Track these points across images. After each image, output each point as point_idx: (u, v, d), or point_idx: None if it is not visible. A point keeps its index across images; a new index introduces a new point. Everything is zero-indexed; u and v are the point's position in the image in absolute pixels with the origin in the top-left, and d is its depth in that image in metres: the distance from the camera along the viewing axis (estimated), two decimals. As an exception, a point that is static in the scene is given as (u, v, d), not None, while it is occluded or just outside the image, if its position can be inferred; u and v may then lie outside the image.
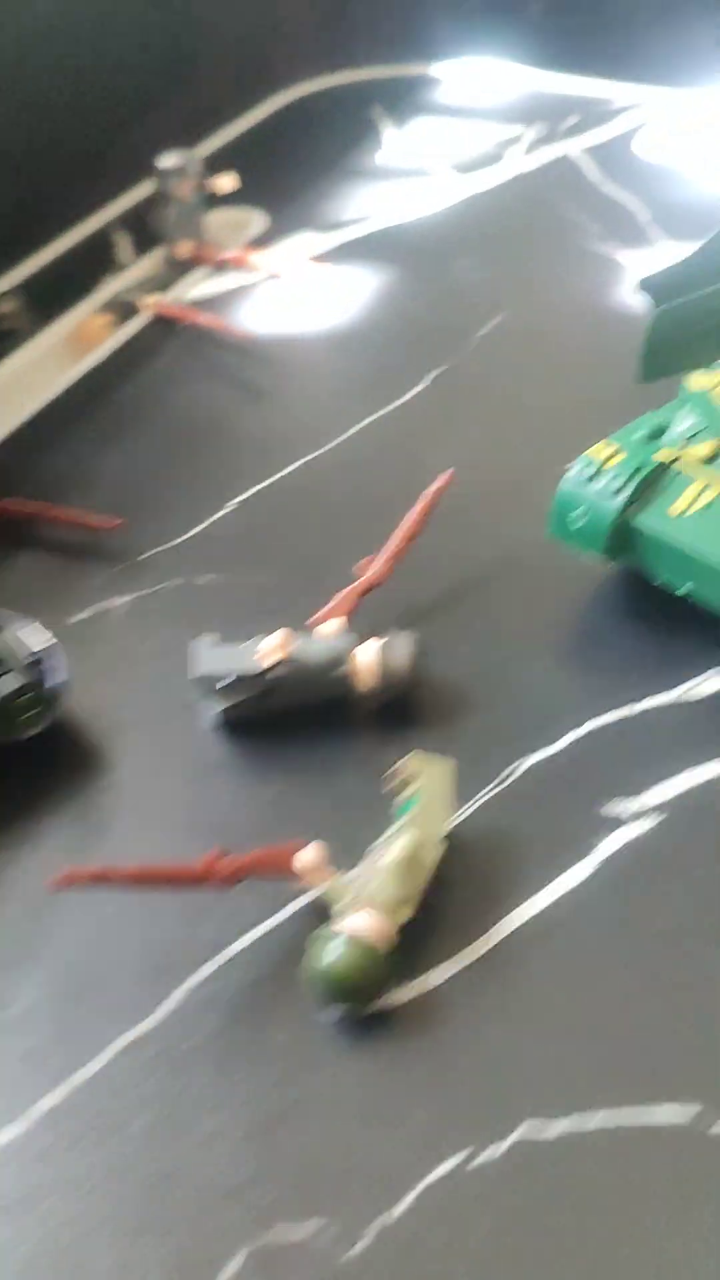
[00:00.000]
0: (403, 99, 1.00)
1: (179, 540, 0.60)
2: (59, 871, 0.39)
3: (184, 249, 0.81)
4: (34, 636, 0.50)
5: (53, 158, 0.83)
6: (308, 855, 0.43)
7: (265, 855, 0.42)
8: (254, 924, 0.44)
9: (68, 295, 0.78)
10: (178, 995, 0.42)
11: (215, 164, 0.84)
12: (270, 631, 0.51)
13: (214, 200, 0.83)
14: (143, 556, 0.60)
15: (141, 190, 0.87)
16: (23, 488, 0.63)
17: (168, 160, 0.79)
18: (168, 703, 0.52)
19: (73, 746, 0.51)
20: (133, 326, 0.76)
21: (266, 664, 0.49)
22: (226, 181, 0.81)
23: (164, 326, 0.76)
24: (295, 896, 0.44)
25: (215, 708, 0.50)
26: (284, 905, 0.44)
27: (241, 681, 0.49)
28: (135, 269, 0.82)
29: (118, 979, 0.42)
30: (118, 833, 0.47)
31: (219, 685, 0.49)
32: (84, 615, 0.57)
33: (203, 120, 0.94)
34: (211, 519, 0.62)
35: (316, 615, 0.53)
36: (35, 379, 0.73)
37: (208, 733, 0.51)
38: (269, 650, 0.49)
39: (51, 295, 0.78)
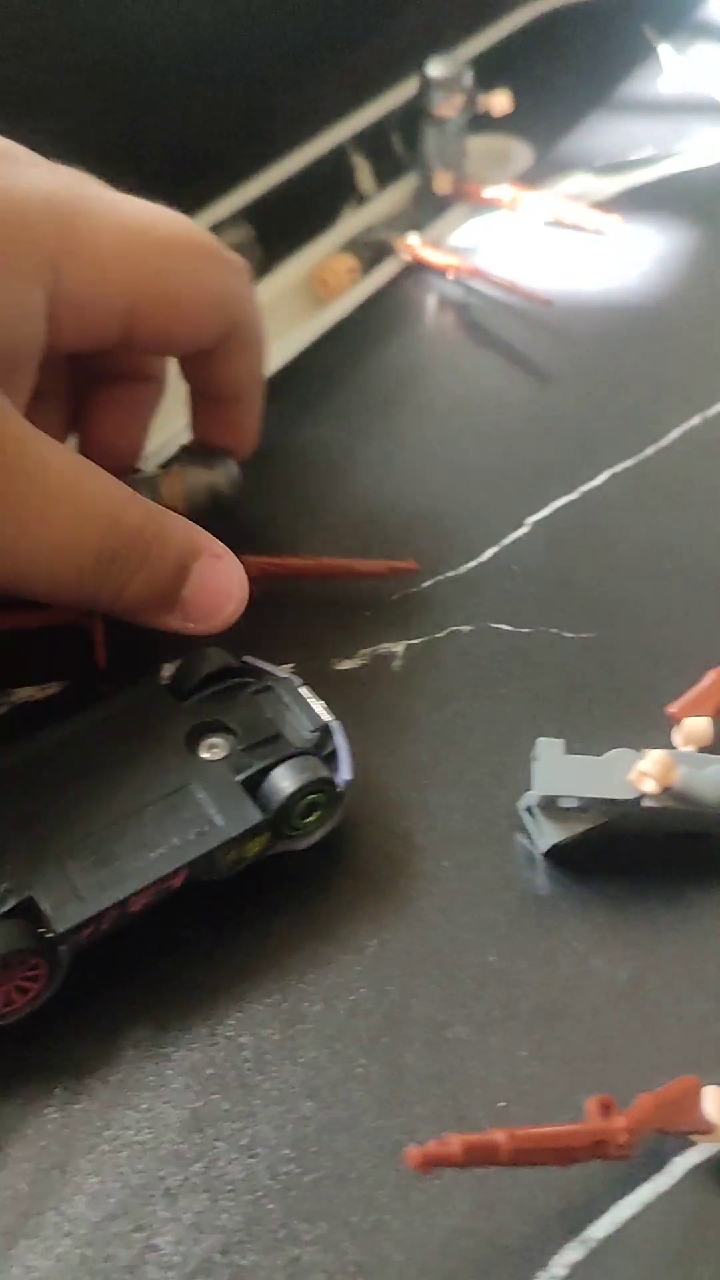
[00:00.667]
0: (677, 18, 0.83)
1: (466, 568, 0.46)
2: (418, 1148, 0.26)
3: (443, 181, 0.65)
4: (315, 705, 0.37)
5: (288, 57, 0.68)
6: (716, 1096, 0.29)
7: (664, 1099, 0.28)
8: (623, 1191, 0.30)
9: (304, 227, 0.63)
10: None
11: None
12: (612, 722, 0.40)
13: (478, 124, 0.67)
14: (422, 586, 0.45)
15: (381, 105, 0.72)
16: (256, 481, 0.49)
17: (437, 68, 0.63)
18: (471, 805, 0.39)
19: (345, 861, 0.37)
20: (384, 273, 0.61)
21: (644, 790, 0.34)
22: (502, 100, 0.65)
23: (423, 276, 0.61)
24: (683, 1148, 0.30)
25: (550, 835, 0.36)
26: (666, 1162, 0.31)
27: (599, 807, 0.35)
28: (378, 203, 0.67)
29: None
30: (410, 1002, 0.35)
31: (567, 808, 0.35)
32: (349, 664, 0.43)
33: (439, 33, 0.78)
34: (504, 541, 0.47)
35: (680, 702, 0.38)
36: (270, 329, 0.58)
37: (536, 861, 0.37)
38: (646, 775, 0.34)
39: (285, 225, 0.63)
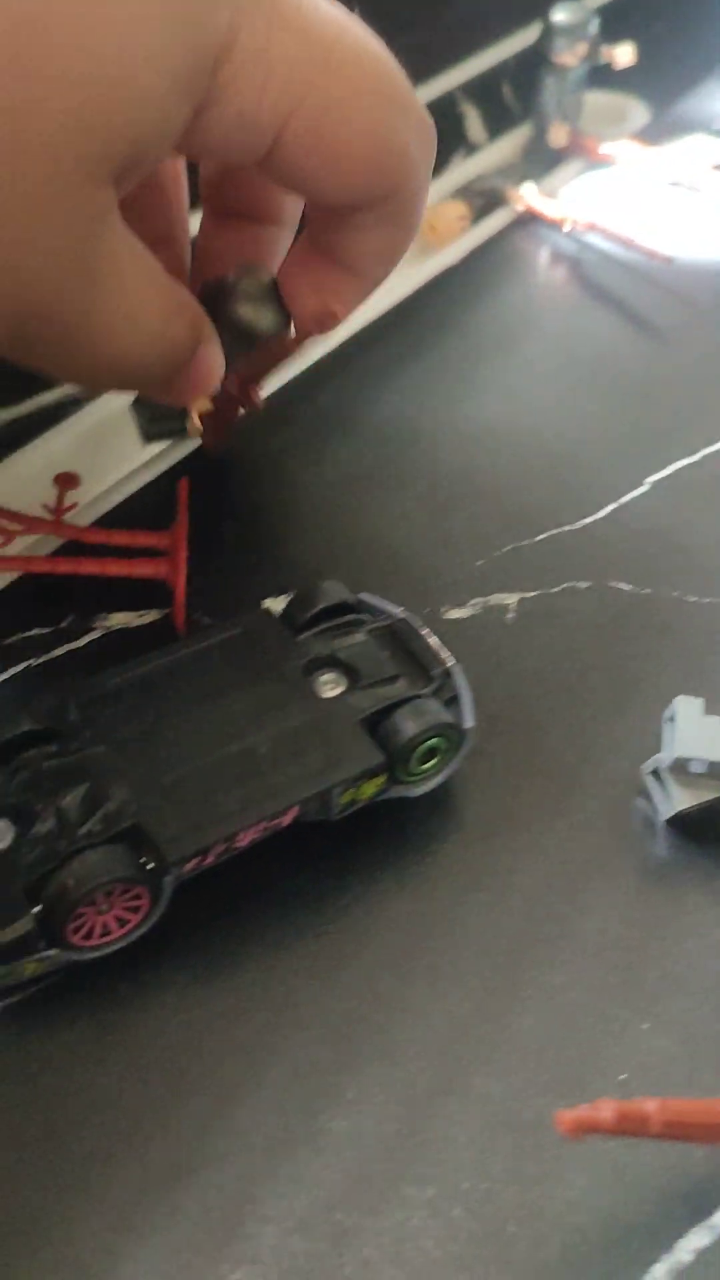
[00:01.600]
0: None
1: (582, 523, 0.44)
2: (569, 1112, 0.24)
3: (559, 133, 0.63)
4: (435, 647, 0.35)
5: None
6: None
7: None
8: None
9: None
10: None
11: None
12: None
13: (598, 78, 0.64)
14: (538, 538, 0.43)
15: (494, 53, 0.69)
16: (359, 425, 0.47)
17: (562, 13, 0.61)
18: (589, 765, 0.37)
19: (457, 814, 0.36)
20: (495, 222, 0.59)
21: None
22: (625, 52, 0.63)
23: (535, 226, 0.58)
24: None
25: (677, 800, 0.34)
26: None
27: (736, 775, 0.33)
28: (488, 153, 0.65)
29: (549, 1256, 0.28)
30: (523, 963, 0.33)
31: (696, 773, 0.33)
32: (459, 612, 0.41)
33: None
34: (623, 499, 0.45)
35: None
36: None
37: (653, 826, 0.35)
38: None
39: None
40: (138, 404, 0.44)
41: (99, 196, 0.28)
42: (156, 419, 0.44)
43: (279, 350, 0.41)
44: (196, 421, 0.41)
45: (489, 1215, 0.28)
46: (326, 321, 0.37)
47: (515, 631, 0.40)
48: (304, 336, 0.37)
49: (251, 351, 0.39)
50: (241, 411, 0.43)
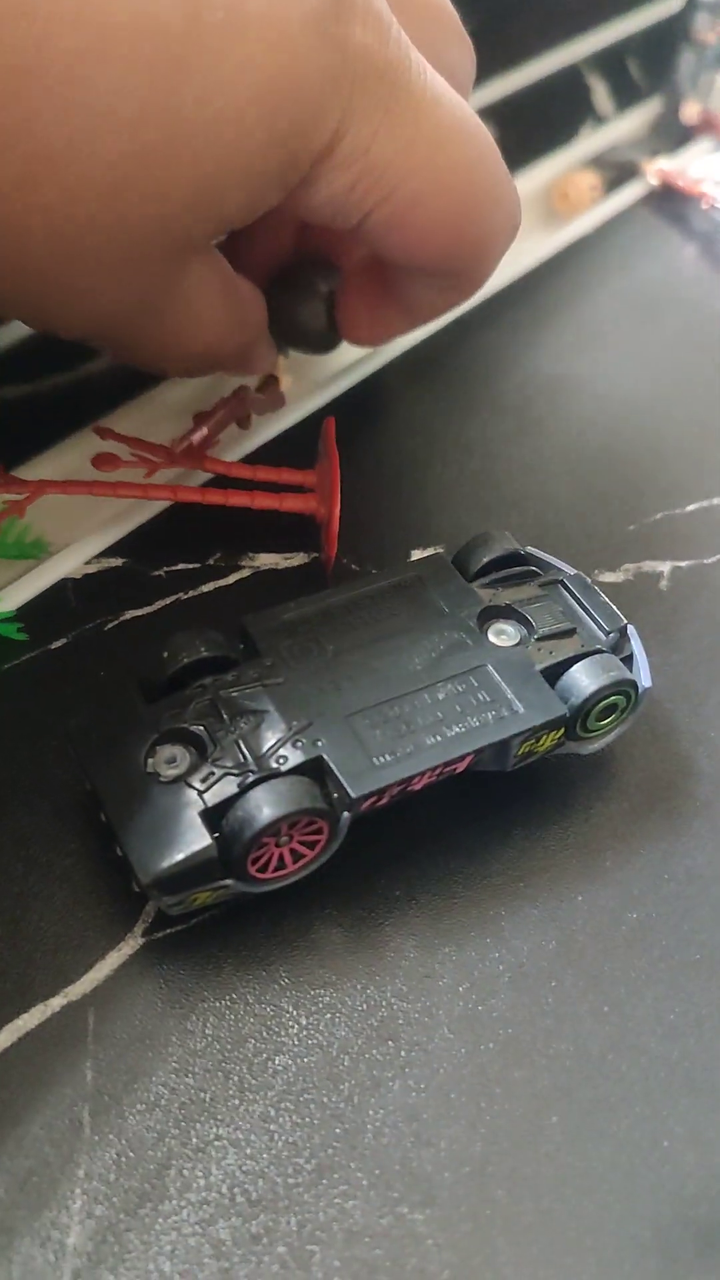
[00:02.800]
0: None
1: (733, 498, 0.43)
2: None
3: (691, 110, 0.62)
4: (606, 604, 0.34)
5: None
6: None
7: None
8: None
9: (542, 140, 0.60)
10: None
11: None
12: None
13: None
14: (688, 509, 0.42)
15: (623, 25, 0.68)
16: (492, 372, 0.46)
17: (708, -11, 0.60)
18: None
19: (625, 778, 0.35)
20: (627, 195, 0.58)
21: None
22: (766, 34, 0.62)
23: (669, 201, 0.58)
24: None
25: None
26: None
27: None
28: (617, 125, 0.64)
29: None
30: (698, 931, 0.33)
31: None
32: (612, 576, 0.40)
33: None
34: (773, 476, 0.44)
35: None
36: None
37: None
38: None
39: (523, 135, 0.60)
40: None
41: (172, 268, 0.31)
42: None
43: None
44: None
45: (669, 1174, 0.28)
46: (368, 345, 0.40)
47: (670, 599, 0.40)
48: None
49: (297, 346, 0.40)
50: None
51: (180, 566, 0.39)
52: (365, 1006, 0.30)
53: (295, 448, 0.43)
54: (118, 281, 0.30)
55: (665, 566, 0.41)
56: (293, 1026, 0.29)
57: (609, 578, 0.40)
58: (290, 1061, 0.29)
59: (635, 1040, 0.30)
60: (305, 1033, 0.29)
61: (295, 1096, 0.28)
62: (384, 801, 0.31)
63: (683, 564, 0.41)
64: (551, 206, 0.58)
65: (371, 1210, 0.27)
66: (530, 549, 0.36)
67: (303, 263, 0.42)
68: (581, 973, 0.31)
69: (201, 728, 0.31)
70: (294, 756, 0.30)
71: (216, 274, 0.34)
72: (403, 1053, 0.29)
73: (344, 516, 0.39)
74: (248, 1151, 0.27)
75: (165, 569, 0.39)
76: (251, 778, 0.30)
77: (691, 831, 0.34)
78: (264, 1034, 0.29)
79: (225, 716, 0.31)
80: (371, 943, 0.31)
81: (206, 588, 0.39)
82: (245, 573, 0.40)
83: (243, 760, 0.30)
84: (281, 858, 0.30)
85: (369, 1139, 0.28)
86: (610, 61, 0.67)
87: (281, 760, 0.30)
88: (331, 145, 0.30)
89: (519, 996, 0.30)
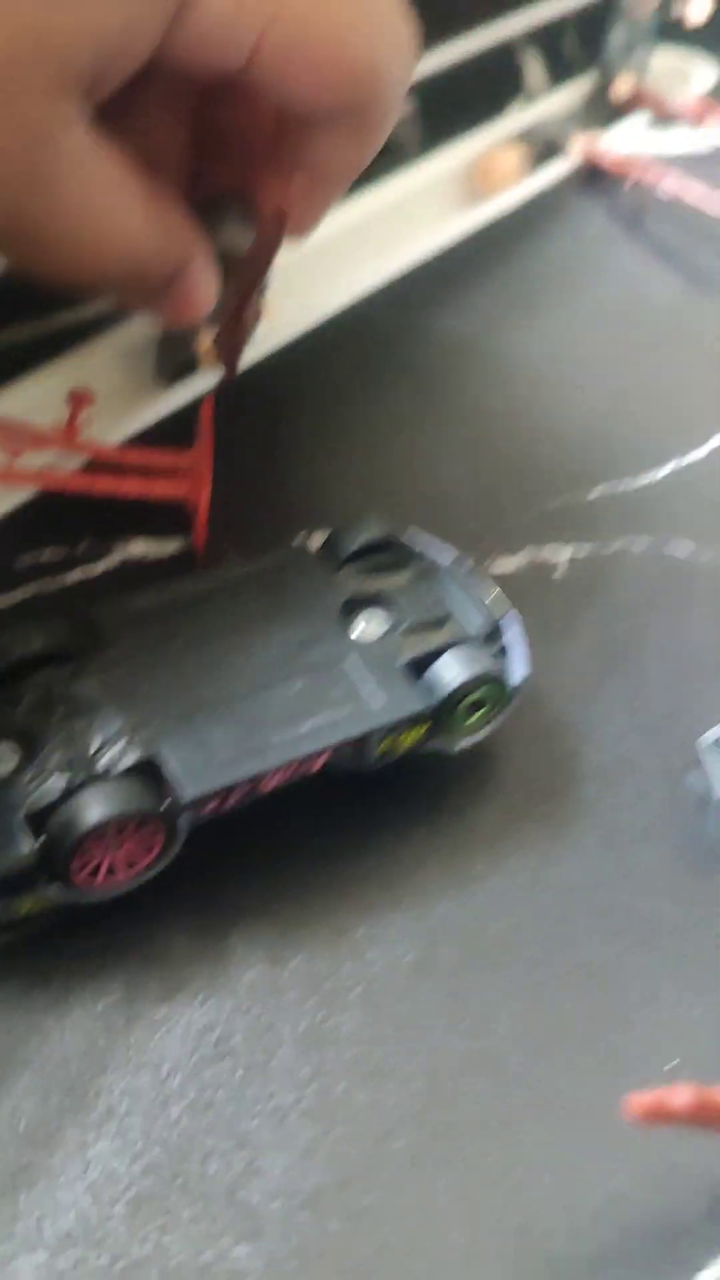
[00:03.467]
0: None
1: (639, 483, 0.41)
2: (641, 1096, 0.21)
3: (624, 86, 0.60)
4: (487, 590, 0.32)
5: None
6: None
7: None
8: None
9: (468, 115, 0.58)
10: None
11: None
12: None
13: (668, 34, 0.62)
14: (589, 497, 0.40)
15: (561, 2, 0.66)
16: (397, 355, 0.44)
17: (639, -38, 0.58)
18: (641, 733, 0.35)
19: (496, 776, 0.33)
20: (553, 172, 0.56)
21: None
22: (700, 7, 0.60)
23: (595, 179, 0.56)
24: None
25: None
26: None
27: None
28: (547, 101, 0.62)
29: (589, 1253, 0.25)
30: (566, 939, 0.30)
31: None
32: (507, 565, 0.38)
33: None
34: (684, 460, 0.42)
35: None
36: (425, 212, 0.53)
37: (709, 802, 0.32)
38: None
39: (449, 109, 0.58)
40: (162, 342, 0.42)
41: (58, 106, 0.29)
42: (174, 358, 0.42)
43: (258, 268, 0.39)
44: (208, 346, 0.40)
45: (521, 1204, 0.25)
46: (283, 221, 0.37)
47: (565, 588, 0.38)
48: (267, 241, 0.37)
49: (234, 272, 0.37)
50: (247, 335, 0.41)
51: (45, 555, 0.37)
52: (204, 1023, 0.28)
53: (177, 434, 0.40)
54: None
55: (564, 554, 0.39)
56: (121, 1044, 0.27)
57: (504, 564, 0.38)
58: (116, 1081, 0.27)
59: (492, 1059, 0.28)
60: (134, 1050, 0.27)
61: (118, 1120, 0.26)
62: (231, 803, 0.29)
63: (582, 551, 0.39)
64: (475, 183, 0.56)
65: (190, 1244, 0.25)
66: (412, 533, 0.34)
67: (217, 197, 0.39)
68: (439, 987, 0.29)
69: (31, 724, 0.28)
70: (128, 756, 0.28)
71: (115, 151, 0.32)
72: (239, 1072, 0.27)
73: (232, 501, 0.37)
74: (60, 1180, 0.25)
75: (29, 557, 0.37)
76: (81, 778, 0.27)
77: (571, 836, 0.32)
78: (90, 1052, 0.27)
79: (59, 712, 0.29)
80: (215, 955, 0.29)
81: (72, 577, 0.37)
82: (116, 560, 0.37)
83: (73, 759, 0.28)
84: (113, 864, 0.28)
85: (194, 1166, 0.26)
86: (545, 38, 0.65)
87: (114, 761, 0.28)
88: None
89: (370, 1012, 0.28)
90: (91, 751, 0.28)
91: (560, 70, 0.64)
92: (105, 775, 0.28)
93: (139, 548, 0.38)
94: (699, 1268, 0.25)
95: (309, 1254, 0.25)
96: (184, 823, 0.28)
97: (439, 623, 0.32)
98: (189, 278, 0.35)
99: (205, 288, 0.36)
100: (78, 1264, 0.24)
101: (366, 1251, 0.25)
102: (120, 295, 0.37)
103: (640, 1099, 0.21)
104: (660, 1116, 0.21)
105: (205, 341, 0.42)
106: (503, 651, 0.32)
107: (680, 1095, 0.21)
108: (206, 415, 0.37)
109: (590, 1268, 0.25)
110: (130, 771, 0.28)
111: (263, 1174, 0.26)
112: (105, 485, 0.37)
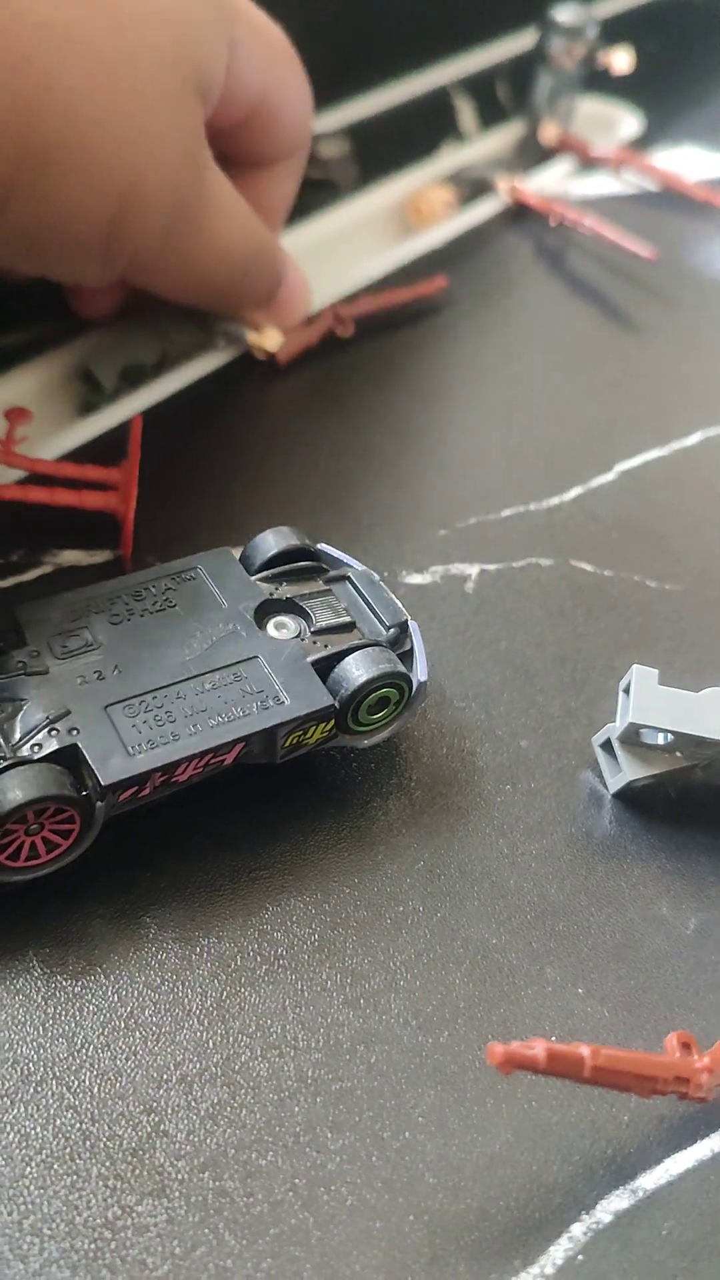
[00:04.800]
0: None
1: (548, 504, 0.44)
2: (500, 1046, 0.23)
3: (550, 132, 0.63)
4: (392, 601, 0.34)
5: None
6: None
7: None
8: (678, 1146, 0.28)
9: (402, 155, 0.61)
10: (559, 1249, 0.26)
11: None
12: (696, 675, 0.37)
13: (593, 83, 0.65)
14: (502, 515, 0.43)
15: (495, 51, 0.70)
16: (322, 379, 0.46)
17: (564, 13, 0.61)
18: (538, 735, 0.37)
19: (400, 773, 0.35)
20: (481, 211, 0.59)
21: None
22: (623, 59, 0.63)
23: (520, 218, 0.58)
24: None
25: (628, 772, 0.33)
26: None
27: (684, 749, 0.33)
28: (478, 144, 0.65)
29: (467, 1208, 0.27)
30: (460, 923, 0.33)
31: (648, 746, 0.33)
32: (419, 578, 0.40)
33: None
34: (587, 485, 0.45)
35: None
36: (358, 246, 0.56)
37: (600, 798, 0.34)
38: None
39: (383, 150, 0.61)
40: (85, 375, 0.44)
41: (194, 105, 0.37)
42: (99, 389, 0.44)
43: None
44: (259, 341, 0.47)
45: (407, 1165, 0.27)
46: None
47: (473, 601, 0.40)
48: None
49: None
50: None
51: (-20, 562, 0.39)
52: (116, 998, 0.30)
53: (112, 453, 0.42)
54: (146, 116, 0.36)
55: (473, 569, 0.41)
56: (38, 1014, 0.29)
57: (415, 579, 0.41)
58: (32, 1051, 0.28)
59: (388, 1032, 0.30)
60: (51, 1021, 0.29)
61: (32, 1086, 0.28)
62: (146, 793, 0.31)
63: (491, 567, 0.41)
64: (406, 220, 0.59)
65: (99, 1201, 0.26)
66: (322, 546, 0.36)
67: None
68: (340, 965, 0.31)
69: (-43, 715, 0.30)
70: (48, 744, 0.30)
71: (219, 170, 0.40)
72: (149, 1043, 0.29)
73: (159, 514, 0.39)
74: (-26, 1142, 0.27)
75: (-36, 564, 0.39)
76: (2, 764, 0.29)
77: (468, 828, 0.34)
78: (8, 1022, 0.29)
79: (-17, 704, 0.31)
80: (130, 934, 0.31)
81: (5, 584, 0.39)
82: (48, 569, 0.39)
83: (-4, 747, 0.30)
84: (34, 846, 0.30)
85: (103, 1129, 0.27)
86: (478, 84, 0.68)
87: (35, 748, 0.30)
88: (233, 18, 0.39)
89: (273, 989, 0.30)
90: (15, 740, 0.30)
91: (492, 115, 0.67)
92: (26, 761, 0.29)
93: (70, 557, 0.40)
94: (571, 1221, 0.27)
95: (207, 1210, 0.26)
96: (101, 809, 0.30)
97: (346, 628, 0.34)
98: (290, 282, 0.45)
99: (304, 291, 0.46)
100: (-12, 1218, 0.26)
101: (260, 1209, 0.27)
102: (231, 304, 0.45)
103: (500, 1047, 0.23)
104: (517, 1063, 0.23)
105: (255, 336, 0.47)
106: (405, 656, 0.34)
107: (537, 1046, 0.23)
108: (136, 433, 0.39)
109: (469, 1223, 0.27)
110: (50, 758, 0.30)
111: (168, 1136, 0.28)
112: (38, 495, 0.39)
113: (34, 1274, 0.25)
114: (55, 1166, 0.27)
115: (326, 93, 0.60)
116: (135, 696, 0.31)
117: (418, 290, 0.52)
